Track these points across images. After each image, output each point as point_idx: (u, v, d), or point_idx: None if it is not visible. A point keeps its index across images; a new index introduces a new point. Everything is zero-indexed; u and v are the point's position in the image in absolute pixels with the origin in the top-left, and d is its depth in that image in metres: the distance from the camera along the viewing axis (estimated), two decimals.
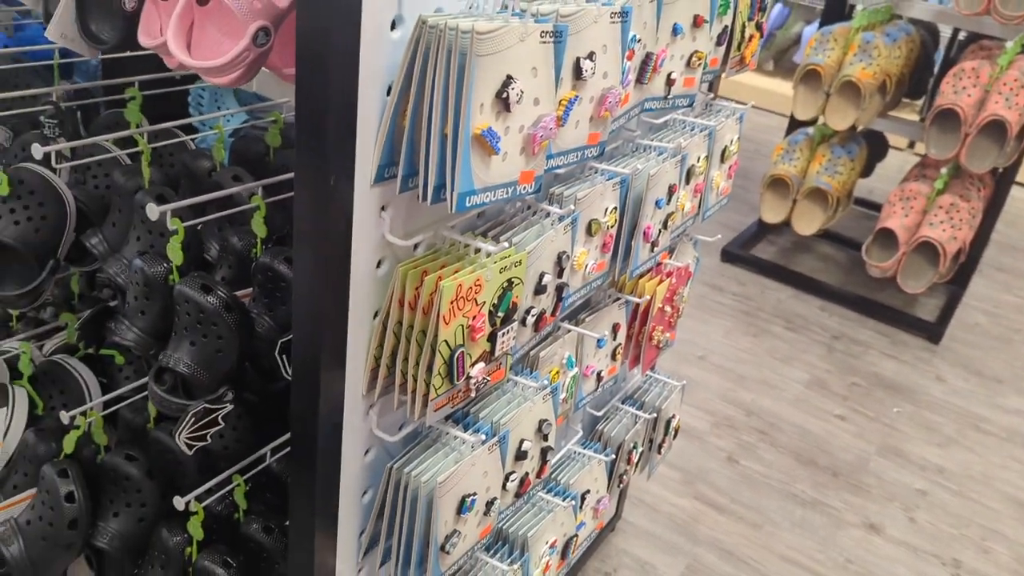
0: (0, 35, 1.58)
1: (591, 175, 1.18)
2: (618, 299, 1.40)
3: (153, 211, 0.92)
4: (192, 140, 1.36)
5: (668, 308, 1.51)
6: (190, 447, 1.00)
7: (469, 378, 0.96)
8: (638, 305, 1.48)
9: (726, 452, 2.44)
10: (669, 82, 1.21)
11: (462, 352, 0.92)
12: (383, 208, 0.89)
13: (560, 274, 1.08)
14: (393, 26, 0.81)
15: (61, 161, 1.19)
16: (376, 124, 0.82)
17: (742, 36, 1.41)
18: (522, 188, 0.89)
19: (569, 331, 1.28)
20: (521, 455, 1.14)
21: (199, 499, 1.11)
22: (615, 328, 1.42)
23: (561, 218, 1.05)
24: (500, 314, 0.96)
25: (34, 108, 1.27)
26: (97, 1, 0.90)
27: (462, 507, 1.03)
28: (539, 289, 1.04)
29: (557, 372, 1.28)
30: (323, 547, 1.02)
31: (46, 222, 1.16)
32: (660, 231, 1.32)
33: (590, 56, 0.92)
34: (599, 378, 1.43)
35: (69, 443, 1.20)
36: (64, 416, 1.18)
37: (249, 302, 1.06)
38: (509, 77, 0.80)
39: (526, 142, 0.86)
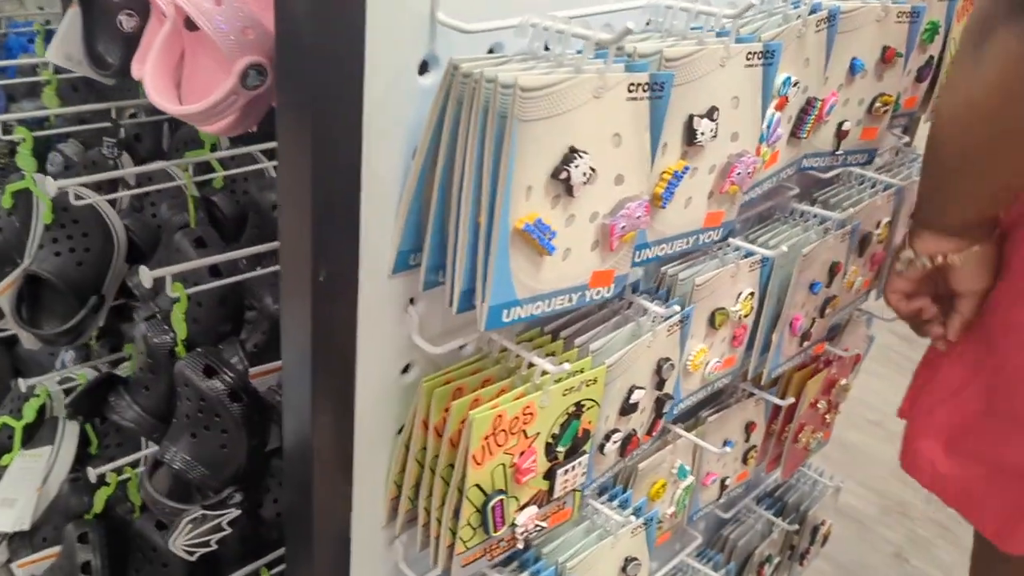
0: None
1: (722, 251, 0.91)
2: (752, 395, 1.12)
3: (146, 277, 0.75)
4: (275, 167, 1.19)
5: (822, 403, 1.21)
6: (191, 553, 0.84)
7: (515, 526, 0.73)
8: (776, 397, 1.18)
9: (894, 547, 2.06)
10: (840, 134, 0.91)
11: (501, 500, 0.69)
12: (412, 301, 0.67)
13: (660, 385, 0.82)
14: (424, 69, 0.59)
15: (121, 188, 1.06)
16: (396, 196, 0.61)
17: None
18: (594, 293, 0.64)
19: (680, 437, 1.02)
20: None
21: None
22: (748, 428, 1.14)
23: (667, 317, 0.79)
24: (561, 448, 0.72)
25: (107, 124, 1.15)
26: (101, 20, 0.74)
27: None
28: (626, 409, 0.79)
29: (663, 485, 1.02)
30: None
31: (89, 254, 1.03)
32: (815, 320, 1.02)
33: (710, 114, 0.66)
34: (723, 487, 1.15)
35: (99, 502, 1.07)
36: (91, 474, 1.05)
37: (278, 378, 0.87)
38: (572, 150, 0.56)
39: (601, 234, 0.62)
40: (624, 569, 0.91)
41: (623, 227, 0.61)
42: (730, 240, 0.90)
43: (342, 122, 0.55)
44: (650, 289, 0.85)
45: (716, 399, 1.12)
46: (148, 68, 0.63)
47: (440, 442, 0.68)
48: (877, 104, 0.91)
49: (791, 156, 0.86)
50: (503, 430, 0.67)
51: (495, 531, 0.71)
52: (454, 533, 0.70)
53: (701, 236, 0.74)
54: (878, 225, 1.12)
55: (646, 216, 0.63)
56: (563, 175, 0.56)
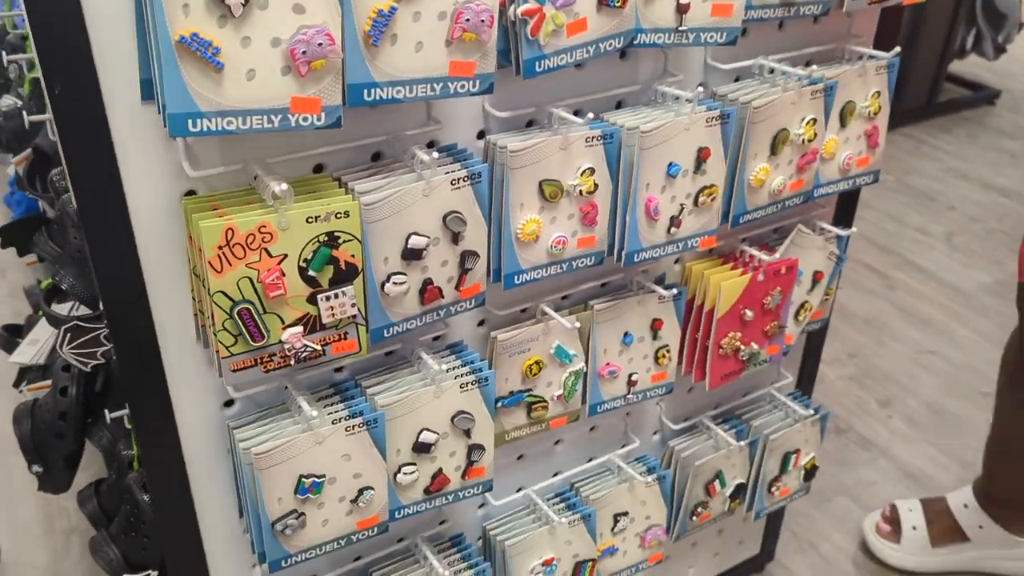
0: None
1: (562, 125, 0.93)
2: (653, 291, 1.12)
3: (24, 121, 0.92)
4: None
5: (750, 312, 1.18)
6: (83, 364, 1.00)
7: (282, 342, 0.82)
8: (698, 303, 1.17)
9: None
10: (680, 8, 0.91)
11: (248, 310, 0.79)
12: None
13: (455, 239, 0.88)
14: None
15: None
16: (129, 25, 0.72)
17: None
18: (300, 118, 0.72)
19: (546, 315, 1.05)
20: (422, 447, 0.97)
21: None
22: (655, 325, 1.15)
23: (452, 171, 0.85)
24: (314, 272, 0.80)
25: None
26: None
27: (300, 488, 0.90)
28: (408, 254, 0.85)
29: (537, 362, 1.07)
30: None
31: None
32: (683, 207, 1.02)
33: None
34: (631, 383, 1.17)
35: None
36: None
37: None
38: None
39: (290, 60, 0.69)
40: (454, 422, 0.98)
41: (304, 52, 0.69)
42: (562, 113, 0.93)
43: None
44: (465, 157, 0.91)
45: (623, 291, 1.14)
46: None
47: (196, 252, 0.79)
48: None
49: (610, 27, 0.88)
50: (238, 244, 0.76)
51: (255, 341, 0.81)
52: (216, 337, 0.80)
53: (451, 84, 0.78)
54: (802, 122, 1.08)
55: (332, 45, 0.69)
56: None
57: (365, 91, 0.75)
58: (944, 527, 1.73)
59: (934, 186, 3.26)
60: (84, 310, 1.16)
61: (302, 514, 0.91)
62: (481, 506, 1.22)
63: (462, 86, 0.79)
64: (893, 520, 1.77)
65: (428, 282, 0.88)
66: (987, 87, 3.98)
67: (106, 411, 1.10)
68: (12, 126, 1.26)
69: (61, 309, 1.17)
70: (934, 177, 3.33)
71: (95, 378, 1.28)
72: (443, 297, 0.90)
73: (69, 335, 0.96)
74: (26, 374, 1.42)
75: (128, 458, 1.16)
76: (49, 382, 1.32)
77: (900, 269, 2.76)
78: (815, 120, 1.08)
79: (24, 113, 0.95)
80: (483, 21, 0.75)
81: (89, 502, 1.20)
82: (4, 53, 1.22)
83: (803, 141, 1.08)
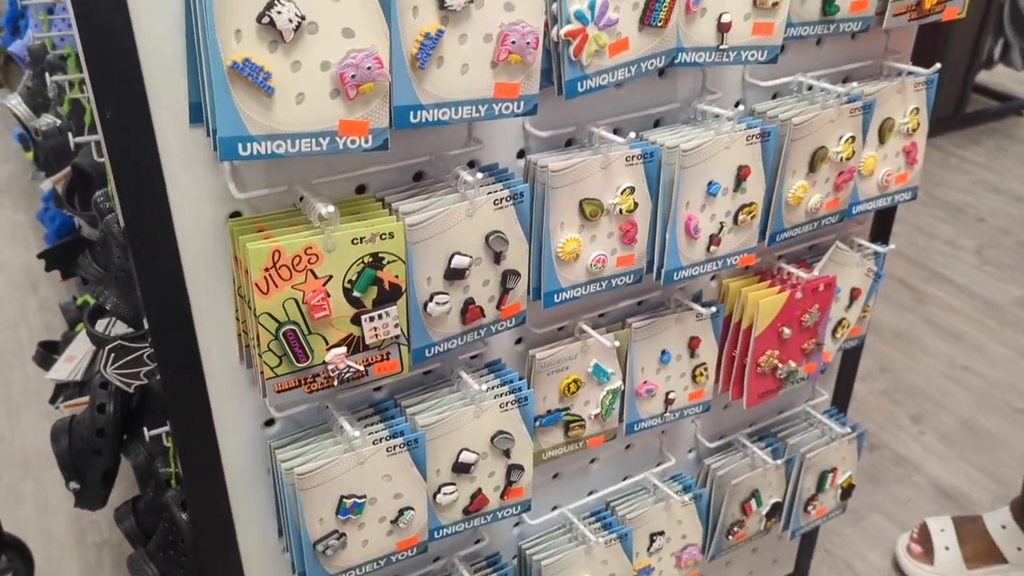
0: None
1: (602, 144, 0.93)
2: (691, 308, 1.12)
3: (70, 141, 0.93)
4: None
5: (788, 330, 1.17)
6: (128, 385, 1.01)
7: (325, 363, 0.82)
8: (735, 320, 1.17)
9: None
10: (721, 27, 0.90)
11: (294, 331, 0.79)
12: None
13: (498, 259, 0.87)
14: None
15: None
16: (180, 50, 0.72)
17: None
18: (348, 141, 0.72)
19: (584, 333, 1.05)
20: (461, 467, 0.96)
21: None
22: (692, 343, 1.14)
23: (495, 191, 0.85)
24: (358, 293, 0.80)
25: None
26: None
27: (341, 508, 0.89)
28: (451, 274, 0.85)
29: (575, 380, 1.06)
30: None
31: None
32: (723, 226, 1.01)
33: None
34: (668, 401, 1.16)
35: None
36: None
37: None
38: None
39: (338, 83, 0.70)
40: (493, 442, 0.97)
41: (353, 76, 0.69)
42: (604, 133, 0.93)
43: None
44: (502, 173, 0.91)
45: (658, 309, 1.14)
46: None
47: (241, 273, 0.79)
48: None
49: (652, 46, 0.87)
50: (284, 265, 0.76)
51: (299, 362, 0.81)
52: (261, 359, 0.80)
53: (495, 106, 0.78)
54: (840, 141, 1.07)
55: (381, 68, 0.70)
56: (265, 20, 0.65)
57: (411, 113, 0.75)
58: (980, 548, 1.71)
59: (964, 198, 3.23)
60: (120, 327, 1.17)
61: (343, 535, 0.91)
62: (516, 525, 1.21)
63: (507, 107, 0.79)
64: (924, 540, 1.75)
65: (470, 302, 0.88)
66: (1015, 97, 3.94)
67: (145, 429, 1.10)
68: (51, 144, 1.27)
69: (98, 327, 1.18)
70: (964, 189, 3.30)
71: (132, 396, 1.28)
72: (484, 316, 0.90)
73: (113, 355, 0.97)
74: (62, 390, 1.43)
75: (166, 476, 1.16)
76: (86, 399, 1.33)
77: (931, 283, 2.73)
78: (853, 138, 1.08)
79: (70, 135, 0.97)
80: (528, 43, 0.75)
81: (127, 519, 1.20)
82: (47, 74, 1.23)
83: (841, 159, 1.08)
